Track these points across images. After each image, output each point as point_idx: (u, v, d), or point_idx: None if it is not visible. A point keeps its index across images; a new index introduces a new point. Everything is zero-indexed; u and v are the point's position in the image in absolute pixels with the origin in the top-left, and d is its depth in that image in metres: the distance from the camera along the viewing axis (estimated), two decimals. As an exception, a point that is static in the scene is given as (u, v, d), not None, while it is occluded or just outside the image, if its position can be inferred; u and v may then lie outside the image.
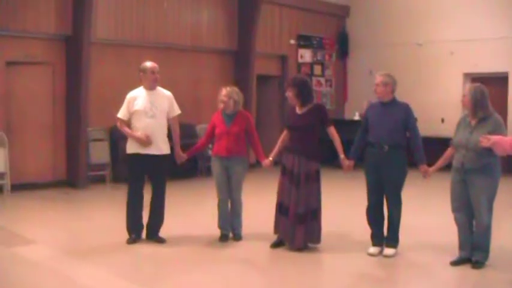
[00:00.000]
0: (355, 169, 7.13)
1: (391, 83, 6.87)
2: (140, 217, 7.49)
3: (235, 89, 7.67)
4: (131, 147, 7.37)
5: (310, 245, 7.17)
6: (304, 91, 7.10)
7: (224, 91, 7.55)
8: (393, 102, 6.91)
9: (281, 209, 7.15)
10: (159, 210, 7.51)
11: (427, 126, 14.38)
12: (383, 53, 16.39)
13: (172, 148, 7.59)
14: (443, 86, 15.41)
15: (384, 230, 7.01)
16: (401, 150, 6.81)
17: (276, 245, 7.25)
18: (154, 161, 7.33)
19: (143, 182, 7.45)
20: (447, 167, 6.68)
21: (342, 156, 7.08)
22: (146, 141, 7.22)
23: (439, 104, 15.30)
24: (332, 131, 7.14)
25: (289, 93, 7.13)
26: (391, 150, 6.73)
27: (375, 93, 6.96)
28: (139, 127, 7.28)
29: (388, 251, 6.92)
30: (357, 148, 7.09)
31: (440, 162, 6.70)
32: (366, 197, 7.02)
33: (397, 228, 6.93)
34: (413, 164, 6.87)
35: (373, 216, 6.97)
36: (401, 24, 16.19)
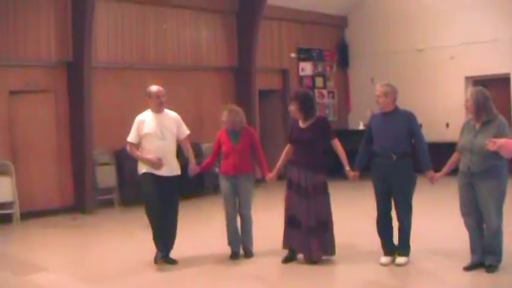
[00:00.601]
0: (361, 179, 7.12)
1: (391, 93, 6.86)
2: (162, 231, 7.41)
3: (235, 108, 7.70)
4: (143, 167, 7.39)
5: (324, 257, 7.14)
6: (306, 104, 7.13)
7: (225, 114, 7.56)
8: (396, 111, 6.90)
9: (293, 223, 7.12)
10: (172, 231, 7.50)
11: (432, 132, 14.37)
12: (383, 61, 16.43)
13: (183, 166, 7.61)
14: (445, 90, 15.39)
15: (395, 239, 6.98)
16: (408, 158, 6.80)
17: (288, 259, 7.22)
18: (167, 182, 7.33)
19: (159, 198, 7.36)
20: (454, 172, 6.66)
21: (347, 168, 7.08)
22: (158, 164, 7.24)
23: (443, 109, 15.28)
24: (336, 143, 7.15)
25: (292, 107, 7.17)
26: (398, 159, 6.73)
27: (377, 104, 6.96)
28: (151, 149, 7.31)
29: (400, 259, 6.89)
30: (361, 159, 7.08)
31: (447, 167, 6.69)
32: (375, 207, 6.99)
33: (408, 237, 6.90)
34: (420, 171, 6.85)
35: (383, 226, 6.95)
36: (400, 31, 16.21)
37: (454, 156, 6.63)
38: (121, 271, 7.31)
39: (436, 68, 15.64)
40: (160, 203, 7.30)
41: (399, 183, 6.75)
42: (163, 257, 7.39)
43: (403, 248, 6.92)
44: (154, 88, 7.50)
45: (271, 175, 7.47)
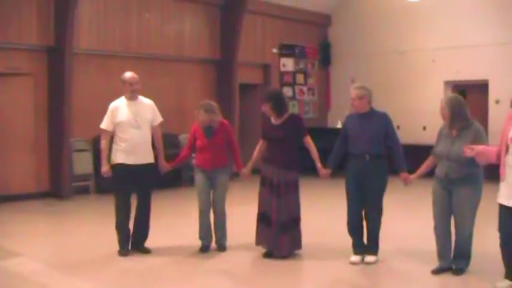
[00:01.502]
0: (332, 177, 7.22)
1: (366, 95, 6.93)
2: (129, 228, 7.49)
3: (210, 105, 7.59)
4: (116, 158, 7.38)
5: (294, 252, 7.25)
6: (279, 104, 7.21)
7: (201, 113, 7.50)
8: (371, 112, 6.97)
9: (263, 219, 7.20)
10: (145, 220, 7.52)
11: (409, 134, 14.57)
12: (365, 62, 16.55)
13: (156, 157, 7.63)
14: (424, 93, 15.54)
15: (364, 239, 7.07)
16: (383, 159, 6.89)
17: (267, 255, 7.28)
18: (140, 170, 7.34)
19: (130, 192, 7.44)
20: (428, 175, 6.76)
21: (319, 165, 7.19)
22: (105, 173, 7.40)
23: (421, 112, 15.44)
24: (308, 140, 7.24)
25: (265, 108, 7.25)
26: (372, 160, 6.81)
27: (352, 107, 7.03)
28: (125, 138, 7.31)
29: (369, 258, 6.98)
30: (334, 157, 7.16)
31: (421, 170, 6.77)
32: (346, 207, 7.07)
33: (377, 236, 7.00)
34: (395, 172, 6.94)
35: (354, 225, 7.03)
36: (383, 33, 16.32)
37: (429, 160, 6.72)
38: (94, 259, 7.32)
39: (416, 71, 15.79)
40: (131, 197, 7.34)
41: (372, 184, 6.83)
42: (128, 251, 7.39)
43: (373, 247, 7.01)
44: (128, 75, 7.45)
45: (245, 170, 7.52)
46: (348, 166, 7.01)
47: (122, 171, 7.33)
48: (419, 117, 15.44)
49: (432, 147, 6.71)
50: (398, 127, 14.27)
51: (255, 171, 7.48)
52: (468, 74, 14.83)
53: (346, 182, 7.03)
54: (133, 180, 7.36)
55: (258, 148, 7.47)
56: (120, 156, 7.34)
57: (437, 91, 15.10)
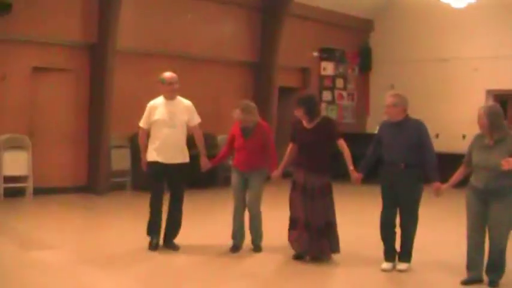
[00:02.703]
0: (364, 184, 7.17)
1: (401, 103, 6.84)
2: (160, 224, 7.57)
3: (248, 105, 7.63)
4: (149, 155, 7.48)
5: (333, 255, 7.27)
6: (312, 108, 7.17)
7: (238, 113, 7.54)
8: (406, 120, 6.88)
9: (297, 225, 7.16)
10: (177, 217, 7.59)
11: (448, 143, 14.34)
12: (406, 68, 16.40)
13: (194, 156, 7.69)
14: (465, 102, 15.29)
15: (397, 246, 7.00)
16: (417, 168, 6.78)
17: (298, 257, 7.29)
18: (173, 169, 7.43)
19: (162, 189, 7.52)
20: (460, 185, 6.65)
21: (351, 168, 7.10)
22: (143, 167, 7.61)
23: (461, 121, 15.16)
24: (341, 143, 7.19)
25: (298, 113, 7.21)
26: (407, 169, 6.73)
27: (386, 114, 6.97)
28: (159, 136, 7.40)
29: (401, 265, 6.92)
30: (366, 163, 7.10)
31: (453, 180, 6.65)
32: (379, 214, 7.00)
33: (411, 246, 6.92)
34: (427, 181, 6.85)
35: (387, 231, 6.96)
36: (425, 40, 16.14)
37: (461, 170, 6.61)
38: (125, 255, 7.41)
39: (458, 79, 15.58)
40: (163, 192, 7.43)
41: (406, 192, 6.75)
42: (157, 244, 7.48)
43: (406, 255, 6.94)
44: (167, 74, 7.52)
45: (276, 173, 7.50)
46: (383, 174, 6.95)
47: (155, 168, 7.43)
48: (459, 125, 15.18)
49: (464, 157, 6.61)
50: (437, 135, 14.20)
51: (287, 174, 7.46)
52: (511, 83, 14.56)
53: (381, 190, 6.97)
54: (165, 178, 7.45)
55: (289, 151, 7.45)
56: (153, 154, 7.45)
57: (479, 100, 14.84)
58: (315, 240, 7.09)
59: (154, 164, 7.43)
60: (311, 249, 7.18)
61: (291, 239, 7.29)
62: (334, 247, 7.21)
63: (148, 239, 7.55)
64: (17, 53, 11.14)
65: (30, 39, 11.21)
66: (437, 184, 6.73)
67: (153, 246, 7.47)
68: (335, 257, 7.28)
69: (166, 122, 7.39)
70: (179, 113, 7.49)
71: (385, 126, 7.09)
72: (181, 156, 7.53)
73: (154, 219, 7.51)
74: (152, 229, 7.53)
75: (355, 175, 7.07)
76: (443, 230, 9.54)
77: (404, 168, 6.73)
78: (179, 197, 7.58)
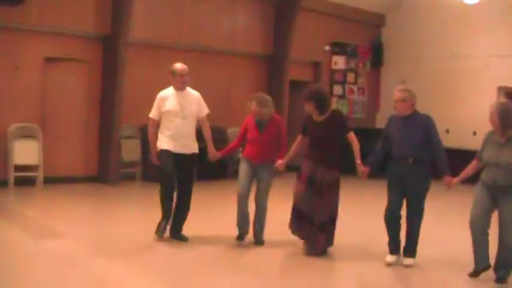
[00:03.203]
0: (370, 177, 7.17)
1: (409, 98, 6.86)
2: (171, 212, 7.56)
3: (264, 98, 7.64)
4: (161, 144, 7.51)
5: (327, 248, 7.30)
6: (322, 102, 7.17)
7: (254, 104, 7.55)
8: (414, 115, 6.90)
9: (300, 216, 7.19)
10: (185, 208, 7.61)
11: (459, 139, 14.32)
12: (417, 64, 16.36)
13: (203, 149, 7.72)
14: (476, 98, 15.26)
15: (402, 240, 7.02)
16: (425, 163, 6.82)
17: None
18: (183, 159, 7.46)
19: (174, 178, 7.48)
20: (471, 181, 6.66)
21: (358, 161, 7.11)
22: (152, 160, 7.63)
23: (472, 117, 15.15)
24: (351, 136, 7.18)
25: (308, 107, 7.20)
26: (415, 163, 6.76)
27: (394, 109, 6.97)
28: (170, 127, 7.44)
29: (407, 260, 6.94)
30: (374, 157, 7.12)
31: (464, 174, 6.67)
32: (384, 207, 7.03)
33: (416, 240, 6.94)
34: (437, 176, 6.86)
35: (392, 224, 6.98)
36: (438, 36, 16.07)
37: (473, 164, 6.63)
38: (133, 244, 7.46)
39: (469, 76, 15.51)
40: (175, 179, 7.42)
41: (414, 187, 6.79)
42: (164, 228, 7.49)
43: (411, 250, 6.96)
44: (178, 66, 7.56)
45: (281, 162, 7.47)
46: (390, 168, 6.97)
47: (166, 155, 7.43)
48: (470, 122, 15.16)
49: (477, 152, 6.62)
50: (447, 131, 14.17)
51: (293, 168, 7.46)
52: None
53: (388, 185, 6.99)
54: (176, 167, 7.43)
55: (297, 143, 7.47)
56: (164, 143, 7.47)
57: (490, 96, 14.80)
58: (313, 233, 7.13)
59: (166, 152, 7.44)
60: (307, 240, 7.23)
61: (291, 224, 7.34)
62: (331, 240, 7.25)
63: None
64: (29, 43, 11.20)
65: (43, 30, 11.27)
66: (448, 178, 6.75)
67: (161, 230, 7.47)
68: (340, 250, 7.32)
69: (177, 113, 7.43)
70: (189, 104, 7.53)
71: (393, 121, 7.10)
72: (192, 147, 7.57)
73: (167, 209, 7.48)
74: (165, 214, 7.51)
75: (361, 169, 7.08)
76: (452, 225, 9.54)
77: (413, 162, 6.75)
78: (189, 188, 7.59)
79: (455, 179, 6.71)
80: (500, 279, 6.35)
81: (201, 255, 7.19)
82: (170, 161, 7.41)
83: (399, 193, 6.88)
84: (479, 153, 6.56)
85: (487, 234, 6.41)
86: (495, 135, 6.38)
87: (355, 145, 7.16)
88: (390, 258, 6.99)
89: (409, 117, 6.88)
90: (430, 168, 6.86)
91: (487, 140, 6.50)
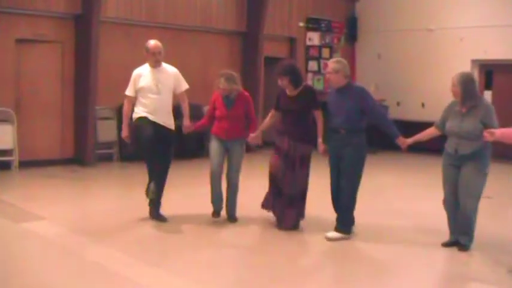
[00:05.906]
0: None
1: (342, 69, 6.92)
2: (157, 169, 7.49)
3: (231, 75, 7.60)
4: (138, 114, 7.42)
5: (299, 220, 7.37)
6: (296, 77, 7.22)
7: (222, 81, 7.50)
8: (348, 87, 6.94)
9: (274, 189, 7.26)
10: (161, 182, 7.52)
11: (434, 112, 14.37)
12: (392, 38, 16.38)
13: (180, 128, 7.71)
14: (450, 72, 14.99)
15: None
16: (359, 133, 6.87)
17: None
18: (162, 131, 7.38)
19: (155, 140, 7.26)
20: (440, 152, 6.74)
21: (319, 140, 7.23)
22: (125, 137, 7.59)
23: (447, 90, 15.19)
24: (318, 113, 7.26)
25: (283, 82, 7.23)
26: (348, 134, 6.81)
27: (328, 81, 7.00)
28: (146, 104, 7.39)
29: (330, 233, 6.94)
30: (321, 132, 7.23)
31: (419, 136, 6.84)
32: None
33: (346, 212, 6.93)
34: (396, 147, 6.92)
35: (334, 197, 7.04)
36: (412, 10, 16.11)
37: (430, 130, 6.79)
38: (114, 225, 7.47)
39: (444, 49, 15.57)
40: (156, 144, 7.27)
41: (347, 157, 6.81)
42: (153, 192, 7.43)
43: (339, 222, 6.97)
44: (152, 43, 7.51)
45: (253, 135, 7.52)
46: (328, 141, 7.05)
47: (145, 122, 7.31)
48: (445, 95, 15.21)
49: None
50: (398, 103, 14.16)
51: (269, 144, 7.47)
52: (497, 53, 14.60)
53: (328, 157, 7.07)
54: (155, 136, 7.25)
55: (269, 117, 7.54)
56: (140, 113, 7.39)
57: (464, 69, 14.87)
58: (283, 207, 7.21)
59: (145, 119, 7.33)
60: (278, 215, 7.32)
61: (265, 199, 7.45)
62: (302, 214, 7.34)
63: (134, 210, 7.56)
64: (0, 24, 11.00)
65: (14, 11, 11.08)
66: (401, 138, 6.85)
67: (151, 191, 7.40)
68: (308, 223, 7.42)
69: (152, 89, 7.39)
70: (165, 80, 7.49)
71: (330, 93, 7.21)
72: (169, 122, 7.53)
73: (151, 168, 7.45)
74: (151, 176, 7.46)
75: (322, 147, 7.17)
76: (425, 197, 9.59)
77: (345, 133, 6.80)
78: (166, 163, 7.50)
79: (409, 139, 6.82)
80: (463, 247, 6.51)
81: (179, 232, 7.21)
82: (149, 127, 7.26)
83: (336, 166, 6.95)
84: (439, 122, 6.66)
85: (458, 205, 6.52)
86: (457, 106, 6.49)
87: (319, 124, 7.25)
88: (330, 233, 6.96)
89: (342, 89, 6.92)
90: (364, 139, 6.90)
91: (449, 111, 6.59)
